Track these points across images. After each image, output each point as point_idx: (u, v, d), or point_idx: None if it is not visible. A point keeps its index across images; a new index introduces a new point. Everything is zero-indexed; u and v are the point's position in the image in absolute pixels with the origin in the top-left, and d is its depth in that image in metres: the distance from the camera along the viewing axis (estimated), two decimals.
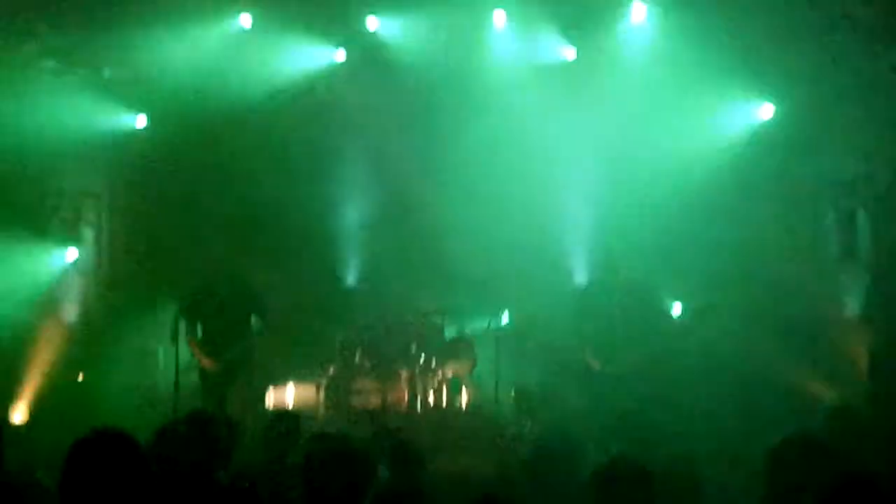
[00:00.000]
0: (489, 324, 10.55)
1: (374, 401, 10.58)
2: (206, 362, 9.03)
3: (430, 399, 10.58)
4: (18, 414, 10.27)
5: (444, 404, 10.59)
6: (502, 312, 10.71)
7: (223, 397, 8.99)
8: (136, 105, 11.47)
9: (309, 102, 11.72)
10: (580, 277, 11.51)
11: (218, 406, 8.75)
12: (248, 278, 9.54)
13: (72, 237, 11.38)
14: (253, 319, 9.18)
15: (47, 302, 11.09)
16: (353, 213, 12.03)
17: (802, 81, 10.86)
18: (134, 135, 11.54)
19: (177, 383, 8.79)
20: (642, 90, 11.13)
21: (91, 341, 10.92)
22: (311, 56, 11.57)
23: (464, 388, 10.68)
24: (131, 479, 3.54)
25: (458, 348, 10.94)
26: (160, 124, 11.52)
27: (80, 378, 10.08)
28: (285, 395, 10.89)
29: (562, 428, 5.43)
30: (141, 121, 11.53)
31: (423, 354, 10.72)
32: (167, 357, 9.48)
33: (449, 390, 10.61)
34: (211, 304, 9.13)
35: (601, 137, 11.36)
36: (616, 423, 6.68)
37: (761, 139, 11.15)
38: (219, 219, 11.13)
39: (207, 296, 9.16)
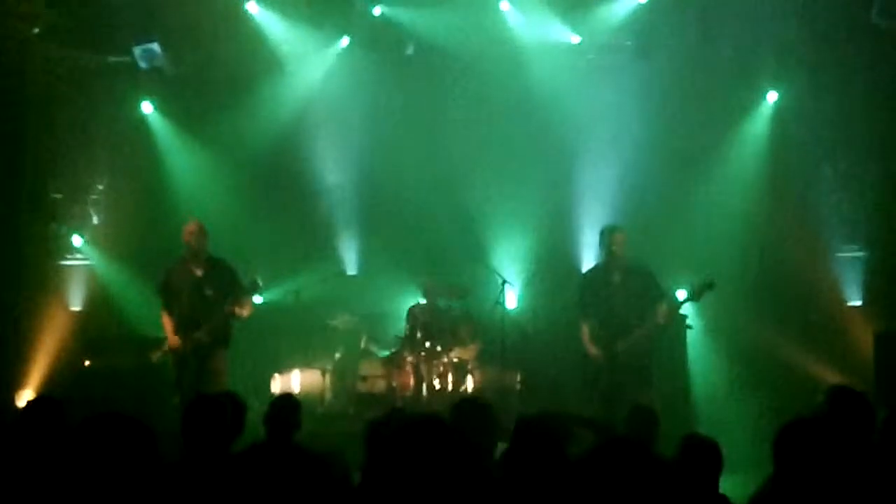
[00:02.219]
0: (495, 308, 10.53)
1: (380, 385, 10.60)
2: (173, 340, 8.94)
3: (436, 383, 10.59)
4: (25, 400, 10.29)
5: (450, 389, 10.59)
6: (508, 296, 10.69)
7: (196, 377, 8.73)
8: (141, 91, 11.47)
9: (312, 89, 11.72)
10: (586, 260, 11.55)
11: (191, 387, 8.52)
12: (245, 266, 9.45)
13: (78, 223, 11.41)
14: (228, 302, 8.97)
15: (54, 288, 11.15)
16: (357, 199, 12.03)
17: (807, 63, 10.86)
18: (140, 121, 11.56)
19: (179, 368, 8.86)
20: (645, 75, 11.15)
21: (97, 327, 10.95)
22: (315, 42, 11.58)
23: (469, 373, 10.68)
24: (140, 458, 3.55)
25: (464, 333, 10.94)
26: (164, 109, 11.55)
27: (87, 364, 10.08)
28: (291, 381, 10.91)
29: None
30: (147, 107, 11.55)
31: (428, 339, 10.72)
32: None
33: (454, 374, 10.61)
34: (188, 283, 9.01)
35: (607, 123, 11.39)
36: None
37: (766, 123, 11.16)
38: (222, 205, 11.13)
39: (185, 275, 9.08)
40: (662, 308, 8.83)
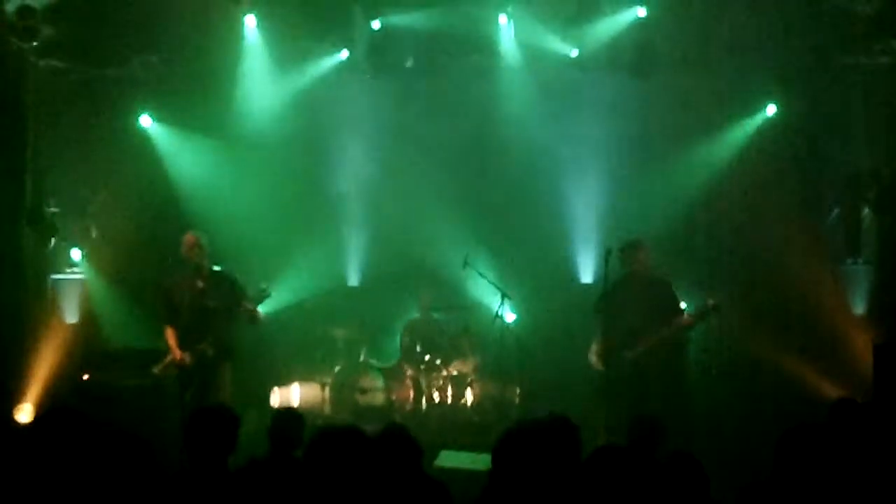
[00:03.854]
0: (494, 321, 10.54)
1: (380, 399, 10.60)
2: (177, 354, 8.89)
3: (436, 397, 10.59)
4: (24, 414, 10.28)
5: (449, 402, 10.59)
6: (508, 309, 10.69)
7: (199, 391, 8.69)
8: (140, 104, 11.48)
9: (312, 103, 11.74)
10: (586, 275, 11.56)
11: (194, 401, 8.49)
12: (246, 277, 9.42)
13: (77, 237, 11.39)
14: (233, 313, 8.95)
15: (53, 302, 11.13)
16: (358, 211, 12.03)
17: (805, 78, 10.88)
18: (139, 133, 11.57)
19: (182, 382, 8.85)
20: (643, 90, 11.17)
21: (96, 340, 10.94)
22: (315, 56, 11.60)
23: (469, 386, 10.68)
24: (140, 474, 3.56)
25: (463, 346, 10.96)
26: (166, 120, 11.56)
27: (86, 378, 10.04)
28: (290, 394, 10.91)
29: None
30: (146, 120, 11.56)
31: (428, 353, 10.73)
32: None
33: (454, 388, 10.61)
34: (190, 296, 8.97)
35: (605, 136, 11.41)
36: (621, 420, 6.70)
37: (766, 137, 11.17)
38: (222, 217, 11.11)
39: (187, 287, 9.08)
40: (677, 320, 8.98)
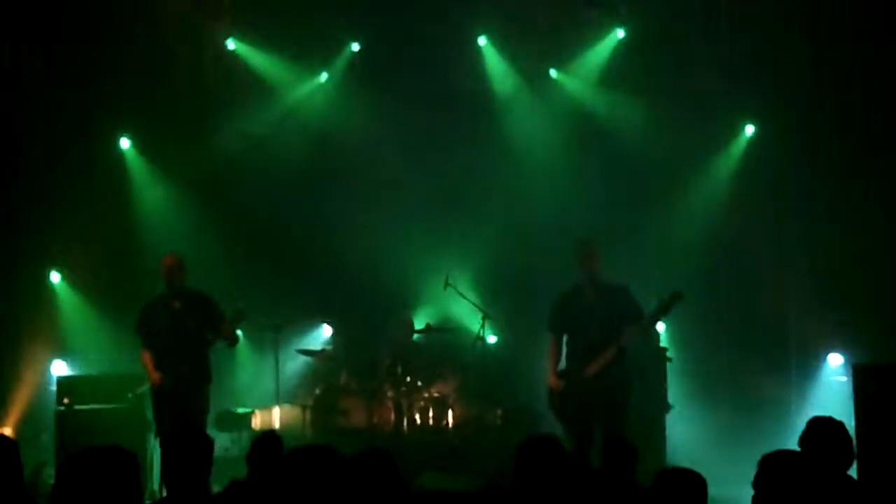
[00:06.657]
0: (476, 342, 10.54)
1: (361, 421, 10.57)
2: (155, 377, 8.85)
3: (417, 418, 10.56)
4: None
5: (431, 423, 10.56)
6: (489, 331, 10.70)
7: (178, 415, 8.50)
8: (119, 125, 11.47)
9: (287, 127, 11.78)
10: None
11: (172, 425, 8.36)
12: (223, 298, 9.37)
13: (55, 258, 11.34)
14: (210, 336, 8.92)
15: (30, 324, 11.08)
16: (335, 234, 12.01)
17: (781, 100, 10.98)
18: (118, 156, 11.55)
19: (159, 405, 8.79)
20: (623, 112, 11.26)
21: (74, 364, 10.89)
22: (293, 78, 11.66)
23: (450, 408, 10.66)
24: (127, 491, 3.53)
25: (444, 367, 10.94)
26: (145, 142, 11.55)
27: (65, 402, 9.95)
28: (271, 417, 10.87)
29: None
30: (124, 141, 11.55)
31: (408, 374, 10.71)
32: None
33: (435, 409, 10.59)
34: (167, 317, 8.92)
35: (585, 157, 11.48)
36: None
37: (741, 157, 11.28)
38: (205, 239, 11.11)
39: (164, 309, 9.02)
40: (632, 329, 8.34)
